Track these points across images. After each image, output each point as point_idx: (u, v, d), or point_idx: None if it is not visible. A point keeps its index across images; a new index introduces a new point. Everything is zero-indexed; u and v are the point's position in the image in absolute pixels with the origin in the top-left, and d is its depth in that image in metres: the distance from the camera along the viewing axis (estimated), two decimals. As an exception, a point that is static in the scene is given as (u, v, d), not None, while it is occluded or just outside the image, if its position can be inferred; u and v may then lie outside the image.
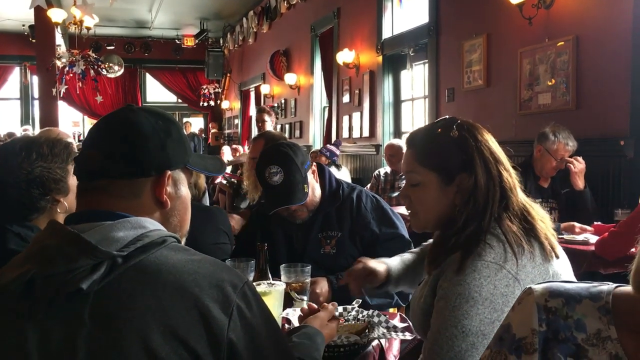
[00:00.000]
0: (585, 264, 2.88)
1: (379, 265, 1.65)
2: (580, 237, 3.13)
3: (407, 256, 1.73)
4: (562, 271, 1.26)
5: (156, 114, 1.06)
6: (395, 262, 1.69)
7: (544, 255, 1.23)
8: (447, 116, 1.40)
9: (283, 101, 9.81)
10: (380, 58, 6.52)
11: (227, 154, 8.97)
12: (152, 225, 0.98)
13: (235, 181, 4.46)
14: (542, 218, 1.30)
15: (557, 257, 1.26)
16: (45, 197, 1.59)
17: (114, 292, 0.90)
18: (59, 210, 1.61)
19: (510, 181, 1.29)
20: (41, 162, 1.58)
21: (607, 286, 0.83)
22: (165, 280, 0.91)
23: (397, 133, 6.52)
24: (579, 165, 3.43)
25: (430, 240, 1.69)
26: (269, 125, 5.59)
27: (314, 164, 2.18)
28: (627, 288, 0.81)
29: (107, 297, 0.89)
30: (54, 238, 0.92)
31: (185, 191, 1.10)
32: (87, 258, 0.89)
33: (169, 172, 1.04)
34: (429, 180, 1.32)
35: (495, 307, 1.15)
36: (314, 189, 2.12)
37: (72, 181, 1.66)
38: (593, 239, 3.01)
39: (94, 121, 13.86)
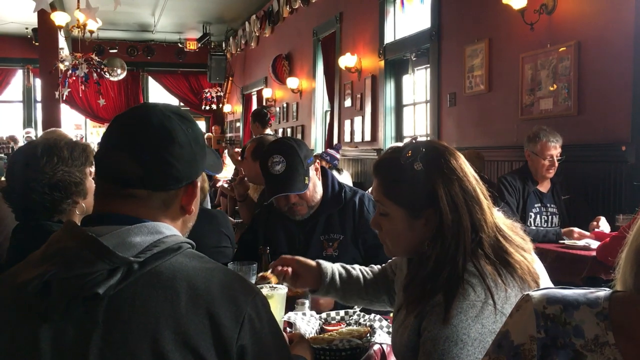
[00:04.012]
0: (586, 269, 2.88)
1: (309, 261, 1.60)
2: (581, 243, 3.14)
3: (357, 270, 1.63)
4: (542, 285, 1.24)
5: (186, 120, 1.03)
6: (336, 268, 1.60)
7: (525, 288, 1.20)
8: (415, 139, 1.32)
9: (285, 105, 9.83)
10: (382, 62, 6.53)
11: (229, 157, 8.96)
12: (168, 230, 0.99)
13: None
14: (520, 245, 1.25)
15: (537, 286, 1.22)
16: (66, 200, 1.64)
17: (129, 296, 0.91)
18: (77, 212, 1.65)
19: (480, 216, 1.22)
20: (62, 166, 1.62)
21: (604, 292, 0.84)
22: (179, 287, 0.92)
23: (399, 137, 6.52)
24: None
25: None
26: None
27: (318, 161, 2.21)
28: (625, 293, 0.82)
29: (122, 301, 0.90)
30: (73, 240, 0.93)
31: (199, 193, 1.10)
32: (104, 263, 0.90)
33: (197, 181, 1.05)
34: (396, 213, 1.27)
35: (485, 346, 1.11)
36: (315, 185, 2.14)
37: (90, 183, 1.69)
38: (594, 244, 3.02)
39: (97, 124, 13.99)
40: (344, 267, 1.62)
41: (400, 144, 1.35)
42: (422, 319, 1.19)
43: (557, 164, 3.50)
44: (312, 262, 1.59)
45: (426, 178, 1.22)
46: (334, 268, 1.59)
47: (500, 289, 1.16)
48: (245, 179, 3.30)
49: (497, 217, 1.27)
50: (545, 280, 1.29)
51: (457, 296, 1.14)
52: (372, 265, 1.68)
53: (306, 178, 2.07)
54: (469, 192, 1.23)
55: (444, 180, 1.22)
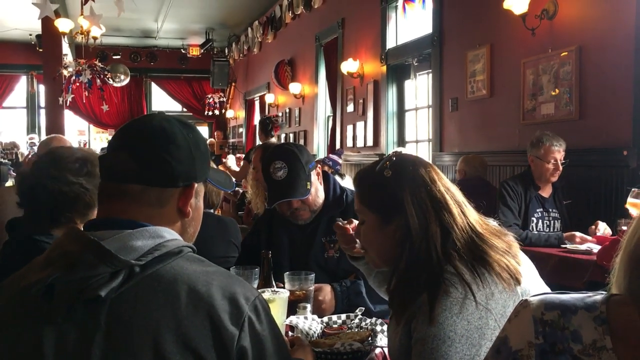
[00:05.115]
0: (588, 273, 2.88)
1: None
2: (583, 247, 3.13)
3: None
4: (530, 286, 1.26)
5: (187, 126, 1.08)
6: None
7: (504, 285, 1.22)
8: (396, 152, 1.38)
9: (287, 110, 9.85)
10: (384, 68, 6.55)
11: (232, 163, 8.98)
12: (169, 234, 1.01)
13: (241, 190, 4.49)
14: (501, 248, 1.26)
15: (518, 283, 1.23)
16: (66, 213, 1.60)
17: (130, 299, 0.92)
18: None
19: (450, 220, 1.25)
20: (84, 180, 1.59)
21: (601, 295, 0.84)
22: (180, 290, 0.94)
23: (401, 142, 6.54)
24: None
25: None
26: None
27: (319, 166, 2.22)
28: (621, 296, 0.83)
29: (124, 304, 0.92)
30: (75, 244, 0.95)
31: (201, 202, 1.13)
32: (106, 266, 0.91)
33: (196, 185, 1.07)
34: (370, 220, 1.34)
35: (472, 342, 1.14)
36: (317, 190, 2.15)
37: (94, 211, 1.65)
38: (596, 248, 3.02)
39: (100, 130, 14.04)
40: None
41: (403, 150, 1.38)
42: (410, 321, 1.22)
43: (561, 168, 3.51)
44: None
45: (394, 184, 1.28)
46: None
47: (479, 285, 1.19)
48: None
49: (475, 222, 1.29)
50: (531, 276, 1.31)
51: (440, 294, 1.17)
52: None
53: (308, 183, 2.08)
54: (437, 199, 1.27)
55: (410, 187, 1.28)
